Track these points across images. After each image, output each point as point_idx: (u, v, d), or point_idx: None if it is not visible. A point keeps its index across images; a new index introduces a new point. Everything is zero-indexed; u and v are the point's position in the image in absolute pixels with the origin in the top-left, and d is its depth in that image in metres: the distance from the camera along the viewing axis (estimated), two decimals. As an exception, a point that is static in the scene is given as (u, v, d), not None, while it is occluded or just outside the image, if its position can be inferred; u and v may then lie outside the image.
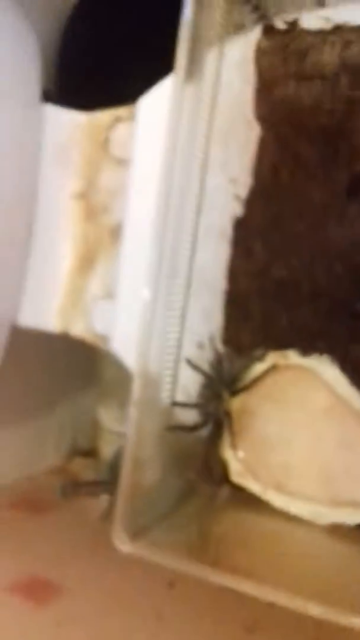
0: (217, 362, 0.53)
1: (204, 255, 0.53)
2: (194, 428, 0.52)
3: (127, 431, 0.46)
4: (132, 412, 0.46)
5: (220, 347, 0.56)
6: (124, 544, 0.43)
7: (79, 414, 0.76)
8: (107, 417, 0.66)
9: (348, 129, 0.52)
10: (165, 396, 0.51)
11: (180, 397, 0.53)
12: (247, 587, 0.40)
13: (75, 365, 0.74)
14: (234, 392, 0.53)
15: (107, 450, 0.65)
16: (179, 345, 0.52)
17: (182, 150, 0.49)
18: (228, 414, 0.53)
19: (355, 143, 0.52)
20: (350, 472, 0.49)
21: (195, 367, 0.53)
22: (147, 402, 0.47)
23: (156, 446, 0.50)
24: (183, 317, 0.51)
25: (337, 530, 0.48)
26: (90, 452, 0.72)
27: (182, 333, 0.52)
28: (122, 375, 0.57)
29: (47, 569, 0.48)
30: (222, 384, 0.53)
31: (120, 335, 0.52)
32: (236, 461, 0.52)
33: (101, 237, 0.57)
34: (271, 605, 0.45)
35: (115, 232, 0.56)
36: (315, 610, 0.38)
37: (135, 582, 0.47)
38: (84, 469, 0.70)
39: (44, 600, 0.44)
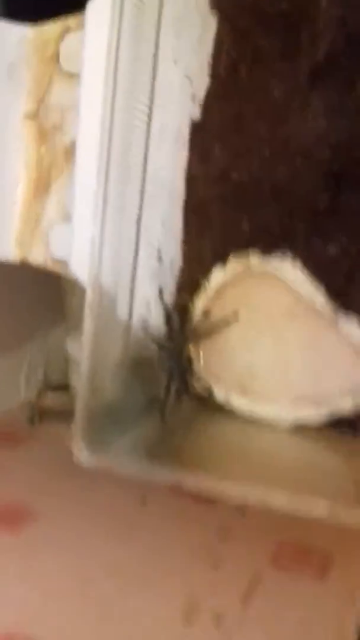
0: (168, 320, 0.50)
1: (160, 159, 0.49)
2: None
3: (83, 343, 0.43)
4: (87, 323, 0.43)
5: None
6: (84, 457, 0.41)
7: (50, 349, 0.74)
8: (77, 349, 0.63)
9: (311, 14, 0.47)
10: (123, 312, 0.48)
11: (140, 310, 0.50)
12: (213, 487, 0.38)
13: (44, 301, 0.71)
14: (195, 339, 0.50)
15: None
16: (136, 257, 0.48)
17: (128, 46, 0.44)
18: (189, 361, 0.50)
19: (317, 29, 0.47)
20: (312, 371, 0.47)
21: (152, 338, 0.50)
22: (103, 316, 0.44)
23: (116, 363, 0.48)
24: (139, 225, 0.48)
25: (299, 431, 0.47)
26: (62, 386, 0.71)
27: (139, 243, 0.48)
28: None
29: (22, 496, 0.46)
30: (178, 341, 0.50)
31: (77, 257, 0.49)
32: (198, 369, 0.50)
33: (55, 159, 0.53)
34: (242, 512, 0.45)
35: (70, 152, 0.51)
36: (280, 500, 0.37)
37: (108, 501, 0.47)
38: (56, 402, 0.69)
39: (18, 527, 0.42)
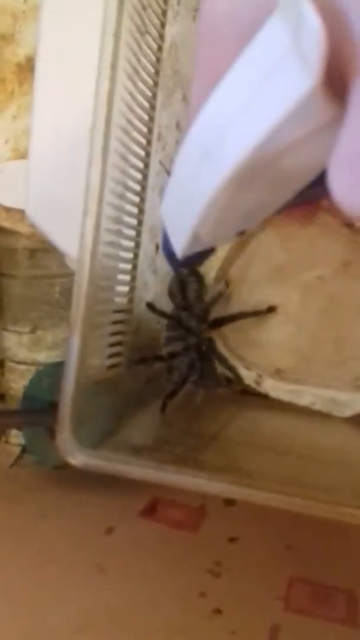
0: (182, 288, 0.37)
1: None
2: (168, 358, 0.36)
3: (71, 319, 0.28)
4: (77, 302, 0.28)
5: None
6: (73, 456, 0.27)
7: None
8: (15, 344, 0.47)
9: None
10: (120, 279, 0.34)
11: (142, 280, 0.36)
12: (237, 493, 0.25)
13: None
14: (212, 324, 0.37)
15: (18, 383, 0.46)
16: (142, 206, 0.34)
17: None
18: (211, 341, 0.37)
19: None
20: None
21: (160, 312, 0.36)
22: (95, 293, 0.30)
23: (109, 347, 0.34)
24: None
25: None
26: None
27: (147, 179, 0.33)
28: (33, 294, 0.41)
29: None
30: (194, 317, 0.37)
31: (35, 203, 0.36)
32: (221, 348, 0.37)
33: (5, 74, 0.40)
34: (233, 541, 0.33)
35: (25, 68, 0.40)
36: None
37: (70, 532, 0.34)
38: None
39: None
